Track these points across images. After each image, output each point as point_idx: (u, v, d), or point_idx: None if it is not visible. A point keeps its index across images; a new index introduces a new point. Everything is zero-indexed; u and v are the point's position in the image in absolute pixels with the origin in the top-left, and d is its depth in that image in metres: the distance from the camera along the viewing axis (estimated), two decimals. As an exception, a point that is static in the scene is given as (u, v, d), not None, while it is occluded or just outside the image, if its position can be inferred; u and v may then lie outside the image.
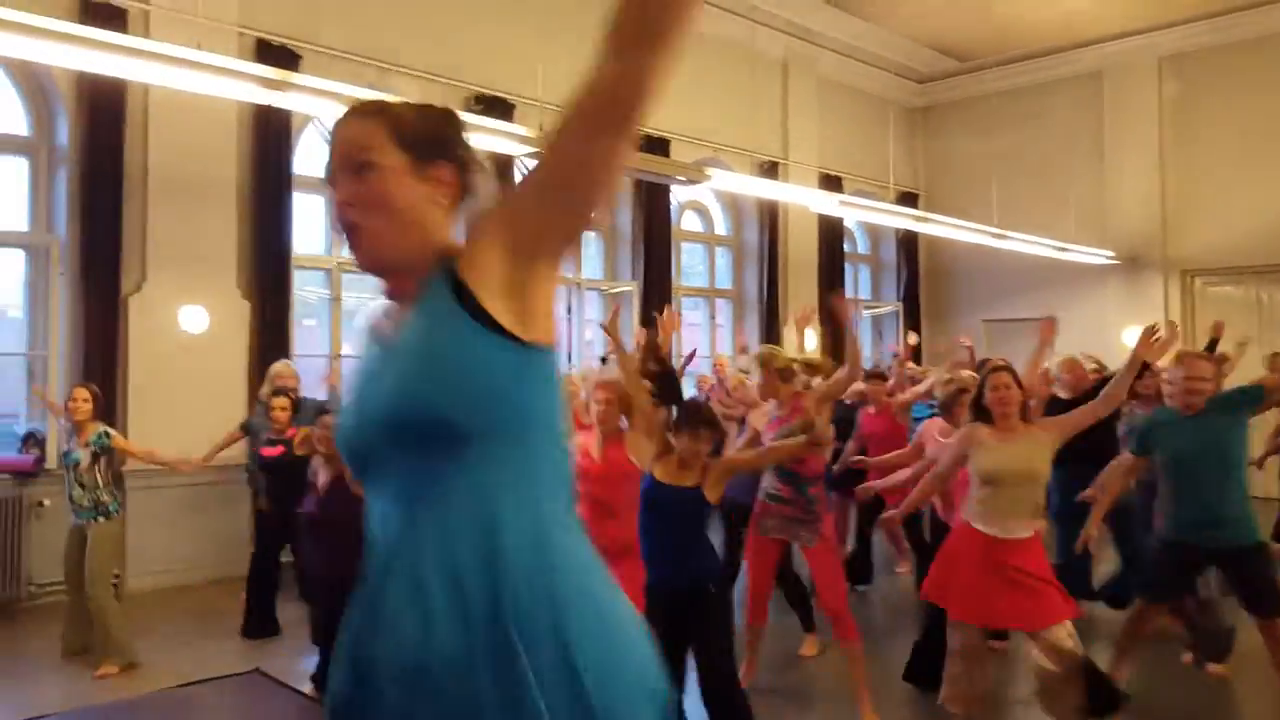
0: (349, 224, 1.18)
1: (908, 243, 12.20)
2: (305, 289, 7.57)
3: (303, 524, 4.15)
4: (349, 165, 1.19)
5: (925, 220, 9.60)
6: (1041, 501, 3.55)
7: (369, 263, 1.20)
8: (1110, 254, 11.07)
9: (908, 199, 11.83)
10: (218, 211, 6.61)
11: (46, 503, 5.91)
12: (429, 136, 1.22)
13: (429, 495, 1.10)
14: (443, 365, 1.09)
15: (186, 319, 6.46)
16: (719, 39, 9.31)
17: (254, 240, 6.78)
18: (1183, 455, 3.84)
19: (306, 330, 7.67)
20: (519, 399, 1.12)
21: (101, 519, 4.62)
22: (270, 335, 6.79)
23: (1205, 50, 10.68)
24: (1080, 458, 4.30)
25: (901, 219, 9.72)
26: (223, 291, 6.64)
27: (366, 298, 8.35)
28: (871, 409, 6.15)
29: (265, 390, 5.90)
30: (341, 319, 7.63)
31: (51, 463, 5.95)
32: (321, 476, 4.01)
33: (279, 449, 5.14)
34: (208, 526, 6.43)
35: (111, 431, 4.72)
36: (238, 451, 6.60)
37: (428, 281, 1.16)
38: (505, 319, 1.11)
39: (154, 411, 6.26)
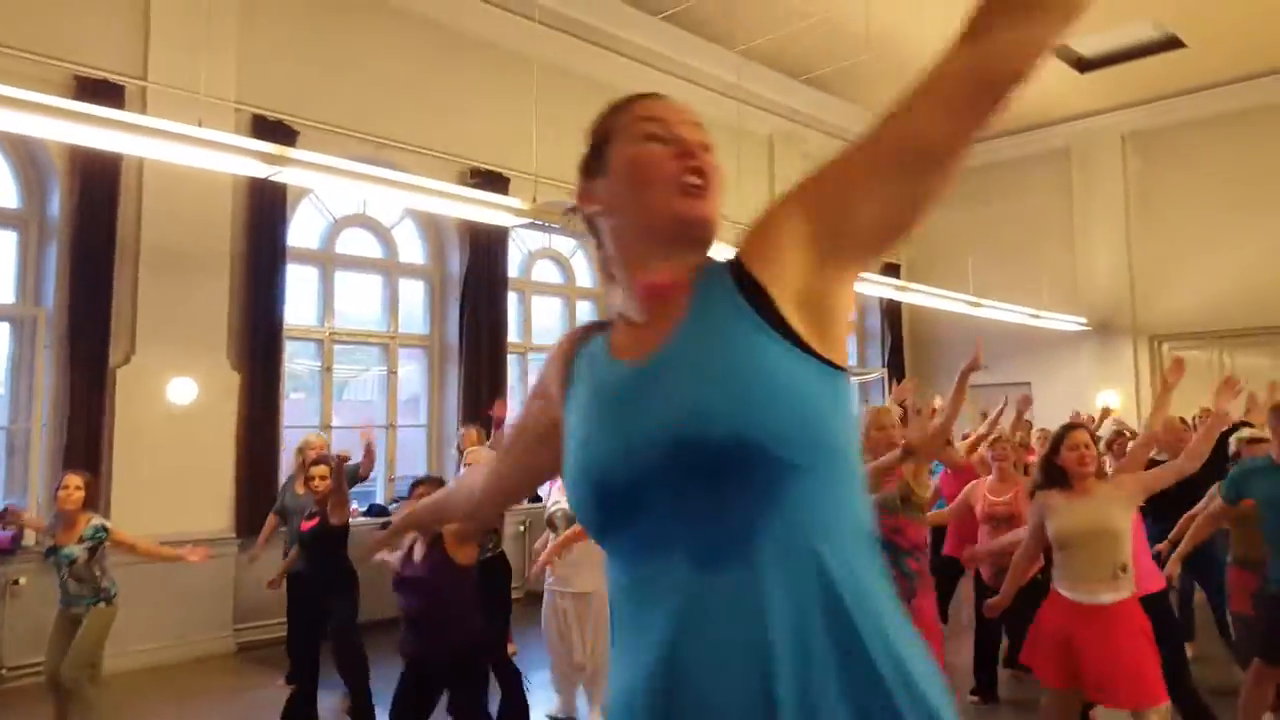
0: (705, 171, 1.08)
1: (891, 311, 12.43)
2: (295, 361, 7.51)
3: (402, 605, 3.71)
4: (697, 133, 1.11)
5: (905, 289, 9.78)
6: (1125, 560, 3.32)
7: (708, 219, 1.08)
8: (1082, 320, 11.33)
9: (890, 269, 12.08)
10: (210, 282, 6.58)
11: (22, 581, 5.71)
12: None
13: (736, 543, 0.91)
14: (753, 384, 0.93)
15: (175, 391, 6.37)
16: (708, 118, 9.37)
17: (246, 311, 6.74)
18: (1277, 503, 3.73)
19: (293, 403, 7.59)
20: (835, 428, 0.97)
21: (102, 604, 4.43)
22: (260, 407, 6.71)
23: (1164, 128, 11.13)
24: (1172, 505, 4.33)
25: (883, 288, 9.90)
26: (212, 363, 6.57)
27: (358, 369, 8.31)
28: (948, 471, 5.69)
29: (295, 465, 5.75)
30: (333, 390, 7.56)
31: (29, 540, 5.76)
32: (418, 549, 3.69)
33: (314, 520, 4.77)
34: (189, 602, 6.24)
35: (108, 525, 4.51)
36: (221, 524, 6.47)
37: (701, 281, 1.04)
38: (806, 335, 0.97)
39: (140, 485, 6.12)
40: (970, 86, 0.90)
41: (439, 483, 3.99)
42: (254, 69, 6.74)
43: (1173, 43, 9.45)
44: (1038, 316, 10.63)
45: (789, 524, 0.92)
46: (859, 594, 0.92)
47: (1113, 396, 11.15)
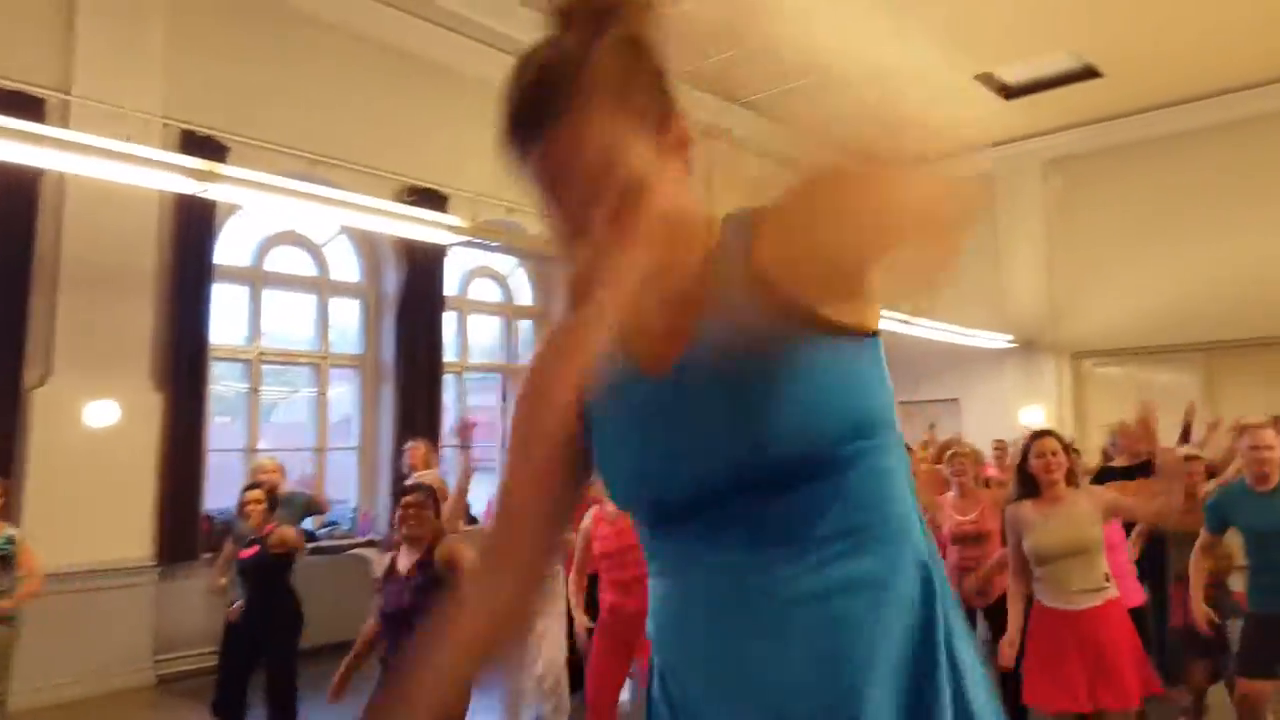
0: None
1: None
2: (221, 383, 7.30)
3: (385, 621, 3.53)
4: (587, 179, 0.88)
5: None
6: (1105, 569, 3.34)
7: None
8: (1008, 338, 11.67)
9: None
10: (133, 301, 6.35)
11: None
12: (631, 74, 0.90)
13: (799, 528, 0.90)
14: (798, 394, 0.89)
15: (94, 413, 6.12)
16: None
17: (170, 331, 6.51)
18: (1259, 531, 3.73)
19: (219, 426, 7.37)
20: (882, 400, 0.94)
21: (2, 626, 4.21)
22: (183, 430, 6.48)
23: (1082, 154, 11.59)
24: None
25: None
26: (134, 384, 6.33)
27: (287, 391, 8.10)
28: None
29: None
30: (260, 412, 7.36)
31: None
32: (403, 560, 3.52)
33: (253, 548, 4.54)
34: (106, 633, 5.98)
35: (16, 536, 4.34)
36: (141, 551, 6.23)
37: (714, 270, 0.95)
38: (835, 313, 0.91)
39: (56, 511, 5.83)
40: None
41: (430, 492, 3.77)
42: (183, 83, 6.55)
43: (1090, 72, 9.85)
44: (967, 335, 10.91)
45: (852, 501, 0.91)
46: (928, 557, 0.94)
47: (1036, 411, 11.51)
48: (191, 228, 6.57)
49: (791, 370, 0.89)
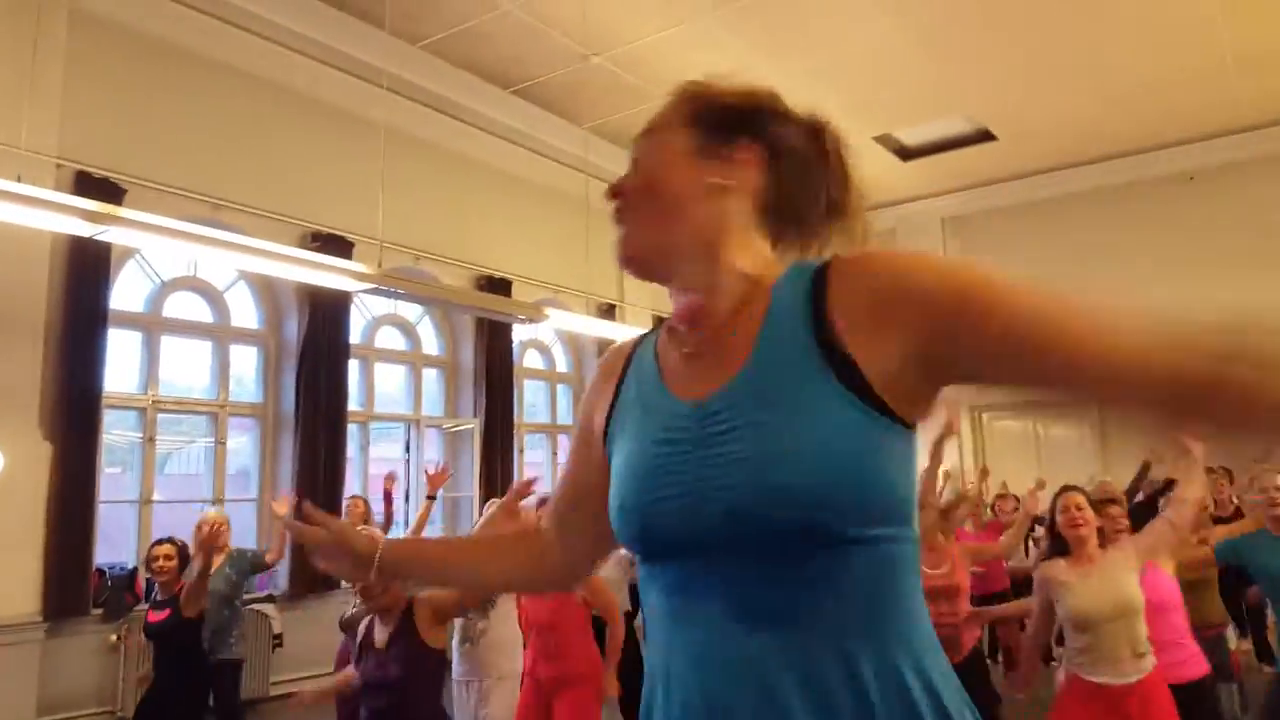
0: (617, 210, 1.05)
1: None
2: (113, 432, 7.01)
3: (366, 689, 3.18)
4: (636, 151, 1.09)
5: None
6: (1146, 632, 3.05)
7: (625, 259, 1.03)
8: (912, 391, 12.06)
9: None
10: (21, 346, 6.08)
11: None
12: (725, 108, 1.03)
13: (780, 606, 0.86)
14: (830, 461, 0.85)
15: (-26, 463, 5.81)
16: (556, 189, 9.71)
17: (61, 378, 6.24)
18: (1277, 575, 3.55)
19: (110, 477, 7.06)
20: (902, 493, 0.90)
21: None
22: (73, 480, 6.19)
23: (979, 214, 12.17)
24: None
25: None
26: (21, 432, 6.04)
27: (182, 440, 7.82)
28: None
29: (194, 545, 5.26)
30: (155, 462, 7.07)
31: None
32: (379, 633, 3.21)
33: (165, 611, 4.15)
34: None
35: None
36: (27, 607, 5.90)
37: (768, 313, 0.95)
38: (890, 399, 0.89)
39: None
40: (1164, 409, 0.82)
41: None
42: (79, 122, 6.38)
43: (985, 136, 10.40)
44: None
45: (842, 596, 0.87)
46: (923, 686, 0.87)
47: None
48: (85, 271, 6.35)
49: (824, 424, 0.86)
